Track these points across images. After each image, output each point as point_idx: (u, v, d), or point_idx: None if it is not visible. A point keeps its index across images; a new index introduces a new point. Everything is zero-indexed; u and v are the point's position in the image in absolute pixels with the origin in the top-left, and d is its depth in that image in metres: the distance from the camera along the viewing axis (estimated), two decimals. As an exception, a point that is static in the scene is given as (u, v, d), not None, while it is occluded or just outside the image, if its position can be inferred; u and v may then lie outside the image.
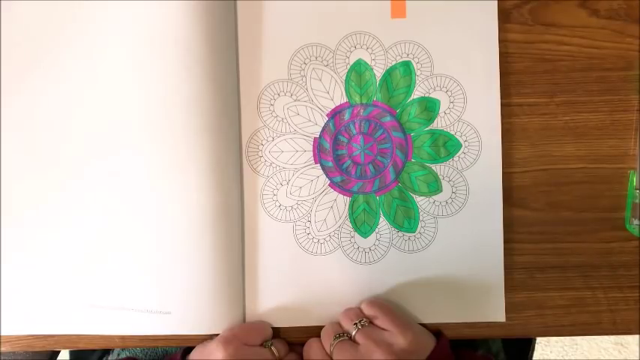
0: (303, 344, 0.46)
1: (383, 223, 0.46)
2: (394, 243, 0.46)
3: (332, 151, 0.46)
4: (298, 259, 0.46)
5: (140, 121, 0.44)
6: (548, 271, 0.47)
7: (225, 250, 0.45)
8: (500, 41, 0.45)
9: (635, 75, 0.46)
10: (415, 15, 0.45)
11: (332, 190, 0.46)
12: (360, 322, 0.43)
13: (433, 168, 0.46)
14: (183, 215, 0.44)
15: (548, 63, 0.46)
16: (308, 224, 0.46)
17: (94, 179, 0.44)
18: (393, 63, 0.45)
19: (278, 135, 0.46)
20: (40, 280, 0.45)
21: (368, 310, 0.44)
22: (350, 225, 0.46)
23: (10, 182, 0.45)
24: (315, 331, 0.46)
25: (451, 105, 0.46)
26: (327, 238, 0.46)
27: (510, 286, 0.46)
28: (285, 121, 0.46)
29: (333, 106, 0.46)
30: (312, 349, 0.45)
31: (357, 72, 0.46)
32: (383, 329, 0.43)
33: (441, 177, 0.46)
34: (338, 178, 0.46)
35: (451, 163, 0.46)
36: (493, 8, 0.45)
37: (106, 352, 0.57)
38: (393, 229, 0.46)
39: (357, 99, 0.46)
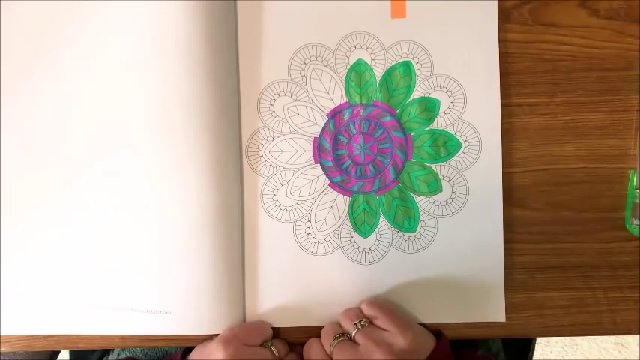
0: (303, 344, 0.46)
1: (383, 223, 0.46)
2: (394, 243, 0.46)
3: (332, 151, 0.46)
4: (298, 259, 0.46)
5: (140, 121, 0.44)
6: (548, 271, 0.47)
7: (225, 250, 0.45)
8: (500, 41, 0.45)
9: (635, 75, 0.46)
10: (415, 15, 0.45)
11: (332, 190, 0.46)
12: (360, 322, 0.43)
13: (433, 168, 0.46)
14: (183, 215, 0.44)
15: (548, 63, 0.46)
16: (308, 224, 0.46)
17: (94, 179, 0.44)
18: (393, 63, 0.45)
19: (278, 135, 0.46)
20: (40, 280, 0.45)
21: (368, 310, 0.44)
22: (350, 225, 0.46)
23: (10, 182, 0.45)
24: (315, 331, 0.46)
25: (451, 105, 0.46)
26: (327, 238, 0.46)
27: (510, 286, 0.46)
28: (285, 121, 0.46)
29: (333, 106, 0.46)
30: (312, 349, 0.45)
31: (357, 72, 0.46)
32: (383, 329, 0.43)
33: (441, 177, 0.46)
34: (338, 178, 0.46)
35: (451, 163, 0.46)
36: (493, 8, 0.45)
37: (106, 352, 0.57)
38: (393, 229, 0.46)
39: (357, 99, 0.46)
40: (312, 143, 0.46)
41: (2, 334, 0.46)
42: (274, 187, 0.46)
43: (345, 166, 0.46)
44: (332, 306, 0.46)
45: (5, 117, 0.44)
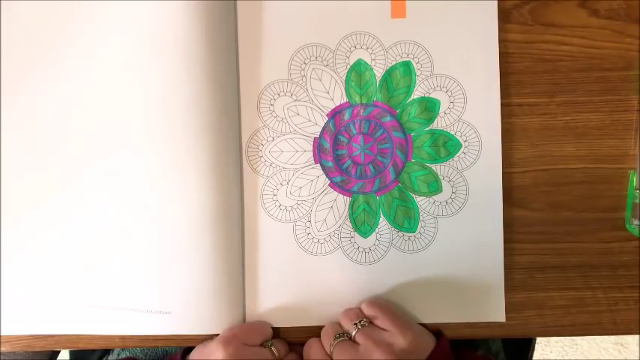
0: (303, 344, 0.46)
1: (383, 223, 0.46)
2: (394, 243, 0.46)
3: (332, 151, 0.46)
4: (298, 259, 0.46)
5: (140, 121, 0.44)
6: (548, 271, 0.47)
7: (225, 250, 0.45)
8: (500, 41, 0.45)
9: (635, 75, 0.46)
10: (415, 15, 0.45)
11: (332, 190, 0.46)
12: (360, 322, 0.43)
13: (433, 168, 0.46)
14: (183, 215, 0.44)
15: (548, 63, 0.46)
16: (308, 224, 0.46)
17: (94, 179, 0.44)
18: (393, 63, 0.45)
19: (278, 135, 0.46)
20: (40, 280, 0.45)
21: (368, 311, 0.44)
22: (350, 225, 0.46)
23: (10, 182, 0.45)
24: (315, 331, 0.46)
25: (451, 105, 0.46)
26: (327, 238, 0.46)
27: (510, 286, 0.46)
28: (285, 121, 0.46)
29: (333, 106, 0.46)
30: (312, 349, 0.45)
31: (357, 72, 0.46)
32: (383, 329, 0.43)
33: (441, 177, 0.46)
34: (338, 178, 0.46)
35: (451, 163, 0.46)
36: (493, 8, 0.45)
37: (106, 352, 0.57)
38: (393, 229, 0.46)
39: (357, 99, 0.46)
40: (312, 143, 0.46)
41: (2, 334, 0.46)
42: (274, 187, 0.46)
43: (345, 166, 0.46)
44: (332, 306, 0.46)
45: (5, 117, 0.44)
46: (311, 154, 0.46)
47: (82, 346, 0.47)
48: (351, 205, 0.46)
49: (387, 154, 0.46)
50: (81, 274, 0.45)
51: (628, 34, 0.45)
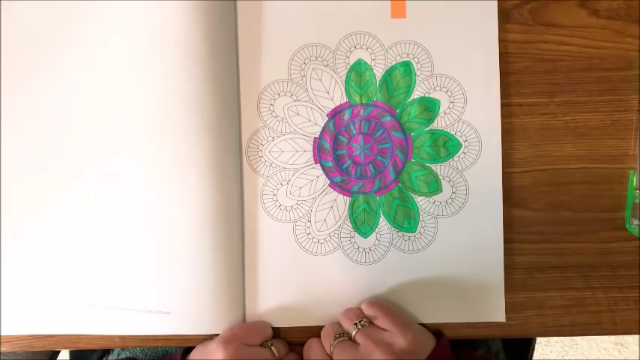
0: (303, 344, 0.46)
1: (383, 223, 0.46)
2: (394, 243, 0.46)
3: (332, 151, 0.46)
4: (298, 259, 0.46)
5: (140, 121, 0.44)
6: (548, 271, 0.47)
7: (225, 250, 0.45)
8: (500, 41, 0.45)
9: (635, 75, 0.46)
10: (415, 15, 0.45)
11: (332, 190, 0.46)
12: (360, 322, 0.43)
13: (433, 168, 0.46)
14: (183, 215, 0.44)
15: (548, 63, 0.46)
16: (308, 224, 0.46)
17: (94, 179, 0.44)
18: (393, 63, 0.45)
19: (278, 135, 0.46)
20: (40, 280, 0.45)
21: (368, 311, 0.44)
22: (350, 225, 0.46)
23: (10, 182, 0.45)
24: (315, 331, 0.46)
25: (451, 105, 0.46)
26: (327, 238, 0.46)
27: (510, 286, 0.46)
28: (285, 121, 0.46)
29: (333, 106, 0.46)
30: (312, 349, 0.45)
31: (357, 72, 0.46)
32: (383, 329, 0.43)
33: (441, 177, 0.46)
34: (338, 178, 0.46)
35: (451, 163, 0.46)
36: (493, 8, 0.45)
37: (106, 352, 0.57)
38: (393, 229, 0.46)
39: (357, 99, 0.46)
40: (312, 143, 0.46)
41: (2, 334, 0.46)
42: (274, 187, 0.46)
43: (345, 166, 0.46)
44: (332, 306, 0.46)
45: (5, 117, 0.44)
46: (311, 154, 0.46)
47: (82, 346, 0.47)
48: (351, 205, 0.46)
49: (387, 154, 0.46)
50: (81, 274, 0.45)
51: (628, 34, 0.45)
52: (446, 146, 0.46)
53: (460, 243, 0.46)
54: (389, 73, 0.45)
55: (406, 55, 0.45)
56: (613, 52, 0.45)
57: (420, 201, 0.46)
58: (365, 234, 0.46)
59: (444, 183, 0.46)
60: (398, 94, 0.46)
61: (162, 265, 0.44)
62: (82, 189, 0.44)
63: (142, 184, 0.44)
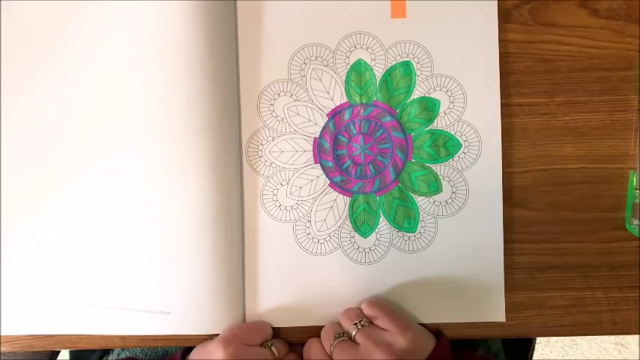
0: (303, 344, 0.46)
1: (383, 223, 0.46)
2: (394, 243, 0.46)
3: (332, 151, 0.46)
4: (298, 259, 0.46)
5: (140, 121, 0.44)
6: (548, 271, 0.47)
7: (225, 250, 0.45)
8: (500, 41, 0.45)
9: (635, 75, 0.46)
10: (415, 15, 0.45)
11: (332, 190, 0.46)
12: (360, 322, 0.43)
13: (433, 168, 0.46)
14: (183, 215, 0.44)
15: (548, 63, 0.46)
16: (308, 224, 0.46)
17: (94, 179, 0.44)
18: (393, 63, 0.45)
19: (278, 135, 0.46)
20: (40, 280, 0.45)
21: (368, 310, 0.44)
22: (350, 225, 0.46)
23: (10, 182, 0.45)
24: (315, 331, 0.46)
25: (451, 105, 0.46)
26: (327, 238, 0.46)
27: (510, 286, 0.46)
28: (285, 121, 0.46)
29: (333, 106, 0.46)
30: (312, 349, 0.45)
31: (357, 72, 0.46)
32: (383, 329, 0.43)
33: (441, 177, 0.46)
34: (338, 178, 0.46)
35: (451, 163, 0.46)
36: (493, 8, 0.45)
37: (106, 352, 0.57)
38: (393, 229, 0.46)
39: (357, 99, 0.46)
40: (312, 143, 0.46)
41: (2, 334, 0.46)
42: (274, 187, 0.46)
43: (345, 166, 0.46)
44: (332, 306, 0.46)
45: (5, 117, 0.44)
46: (311, 154, 0.46)
47: (82, 346, 0.47)
48: (351, 205, 0.46)
49: (387, 154, 0.46)
50: (81, 274, 0.45)
51: (628, 34, 0.45)
52: (446, 146, 0.46)
53: (460, 243, 0.46)
54: (389, 73, 0.45)
55: (406, 55, 0.45)
56: (613, 52, 0.45)
57: (420, 201, 0.46)
58: (365, 234, 0.46)
59: (444, 183, 0.46)
60: (398, 94, 0.46)
61: (162, 265, 0.44)
62: (82, 189, 0.44)
63: (142, 184, 0.44)
